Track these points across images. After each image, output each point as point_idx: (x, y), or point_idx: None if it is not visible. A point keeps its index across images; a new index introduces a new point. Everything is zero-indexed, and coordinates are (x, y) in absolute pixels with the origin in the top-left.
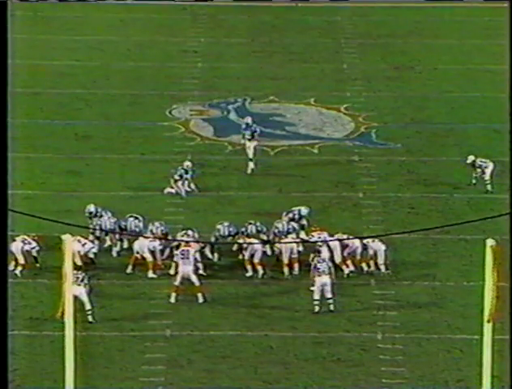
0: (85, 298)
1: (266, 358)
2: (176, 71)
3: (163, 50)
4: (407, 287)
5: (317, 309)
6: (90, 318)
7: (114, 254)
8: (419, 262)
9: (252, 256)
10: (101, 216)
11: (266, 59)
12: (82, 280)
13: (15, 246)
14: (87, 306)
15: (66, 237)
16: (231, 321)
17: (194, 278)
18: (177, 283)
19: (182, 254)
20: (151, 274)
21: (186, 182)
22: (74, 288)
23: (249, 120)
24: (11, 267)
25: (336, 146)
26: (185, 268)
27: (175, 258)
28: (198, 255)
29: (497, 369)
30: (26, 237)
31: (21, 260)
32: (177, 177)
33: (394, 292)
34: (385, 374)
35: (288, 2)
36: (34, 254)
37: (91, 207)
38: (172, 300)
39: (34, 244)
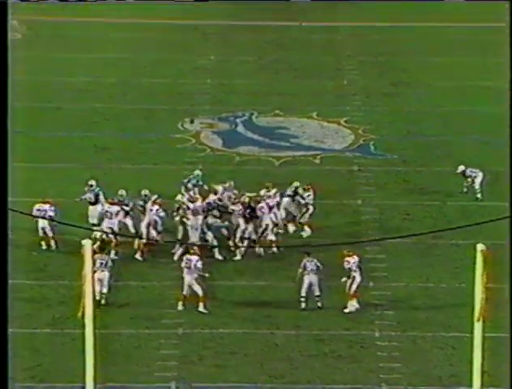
0: (105, 282)
1: (271, 355)
2: (187, 87)
3: (175, 67)
4: (402, 288)
5: (303, 305)
6: (102, 302)
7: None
8: (414, 265)
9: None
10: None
11: (272, 76)
12: (105, 265)
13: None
14: (104, 290)
15: (86, 242)
16: (239, 320)
17: (196, 287)
18: (184, 292)
19: (186, 263)
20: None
21: (197, 190)
22: (97, 274)
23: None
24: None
25: (337, 157)
26: (188, 277)
27: (181, 264)
28: (200, 263)
29: (486, 365)
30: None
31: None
32: (190, 186)
33: (391, 293)
34: (382, 369)
35: (292, 22)
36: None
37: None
38: (180, 307)
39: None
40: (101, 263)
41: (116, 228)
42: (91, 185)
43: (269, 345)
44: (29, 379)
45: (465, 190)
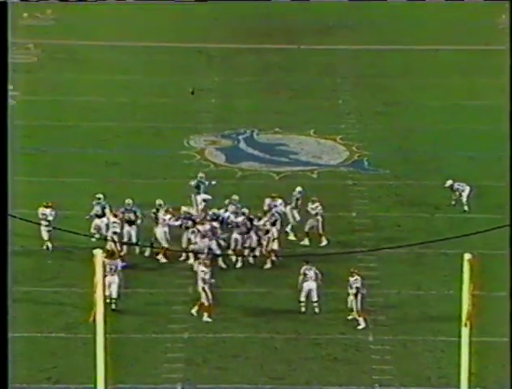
0: (115, 286)
1: (271, 357)
2: (192, 106)
3: (181, 88)
4: (394, 295)
5: (303, 309)
6: (113, 306)
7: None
8: (405, 273)
9: None
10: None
11: (272, 96)
12: (115, 270)
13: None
14: (114, 294)
15: (97, 252)
16: (240, 325)
17: (203, 296)
18: (202, 299)
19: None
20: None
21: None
22: (108, 278)
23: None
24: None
25: (333, 171)
26: (200, 283)
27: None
28: (208, 275)
29: (473, 367)
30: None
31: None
32: (195, 189)
33: (383, 300)
34: (375, 371)
35: (291, 46)
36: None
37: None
38: (193, 312)
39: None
40: (111, 269)
41: (117, 238)
42: (99, 198)
43: (269, 349)
44: (45, 380)
45: (453, 202)
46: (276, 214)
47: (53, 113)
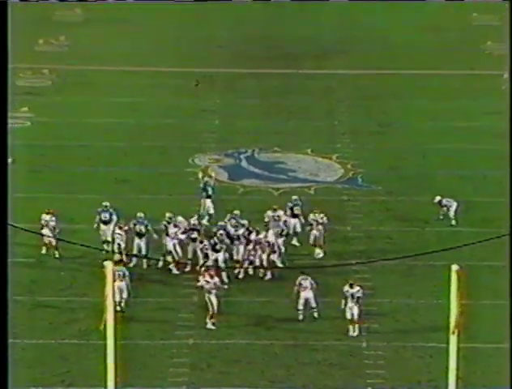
0: (124, 289)
1: (271, 362)
2: (197, 127)
3: (186, 110)
4: (386, 304)
5: (301, 317)
6: (123, 306)
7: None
8: (396, 284)
9: None
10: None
11: (272, 117)
12: (123, 276)
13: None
14: (124, 296)
15: (108, 264)
16: (242, 332)
17: (212, 303)
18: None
19: (207, 281)
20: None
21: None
22: (116, 283)
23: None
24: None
25: (329, 188)
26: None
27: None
28: (217, 280)
29: (461, 371)
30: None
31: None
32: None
33: (377, 308)
34: (369, 375)
35: (290, 70)
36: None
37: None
38: (209, 325)
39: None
40: (119, 274)
41: (120, 252)
42: (106, 206)
43: (269, 354)
44: (59, 383)
45: (441, 217)
46: (282, 225)
47: (66, 134)
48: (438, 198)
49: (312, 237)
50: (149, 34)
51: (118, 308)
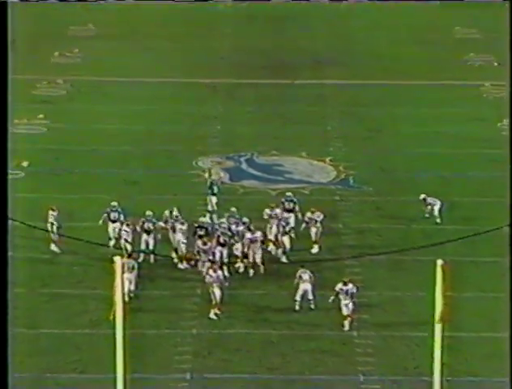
0: (132, 281)
1: (268, 351)
2: (201, 132)
3: (191, 117)
4: (376, 296)
5: (297, 307)
6: (131, 295)
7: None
8: (385, 278)
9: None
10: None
11: (269, 123)
12: (132, 268)
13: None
14: (132, 287)
15: (117, 259)
16: (242, 322)
17: (216, 294)
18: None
19: (210, 275)
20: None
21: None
22: (126, 275)
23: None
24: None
25: (322, 189)
26: (215, 286)
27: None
28: (220, 273)
29: (445, 358)
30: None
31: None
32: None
33: (367, 300)
34: (359, 362)
35: (286, 80)
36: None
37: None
38: (212, 316)
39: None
40: (128, 267)
41: (129, 247)
42: (114, 206)
43: (266, 343)
44: (71, 371)
45: (427, 215)
46: (283, 222)
47: (79, 139)
48: (423, 195)
49: (312, 234)
50: (156, 47)
51: (126, 298)
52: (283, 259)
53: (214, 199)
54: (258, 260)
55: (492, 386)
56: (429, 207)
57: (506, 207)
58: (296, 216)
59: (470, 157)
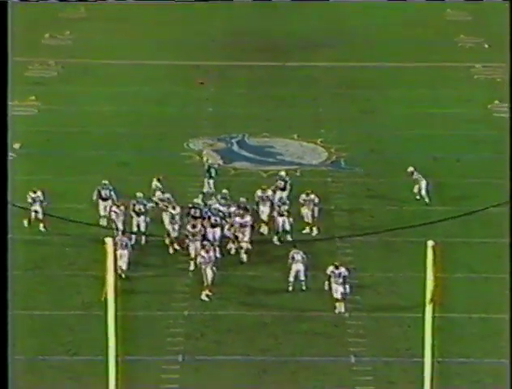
0: (125, 259)
1: (261, 332)
2: (192, 114)
3: (182, 98)
4: (368, 277)
5: (290, 288)
6: (123, 275)
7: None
8: (377, 259)
9: None
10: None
11: (261, 105)
12: (126, 246)
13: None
14: (124, 267)
15: (108, 240)
16: (234, 303)
17: (208, 275)
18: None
19: (202, 256)
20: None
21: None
22: (119, 251)
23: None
24: None
25: (314, 170)
26: (207, 267)
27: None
28: (212, 255)
29: (436, 339)
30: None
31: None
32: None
33: (358, 281)
34: (351, 344)
35: (277, 63)
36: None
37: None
38: (203, 297)
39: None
40: (121, 244)
41: (120, 226)
42: (105, 184)
43: (259, 324)
44: (64, 353)
45: (418, 197)
46: (277, 202)
47: (70, 121)
48: (411, 169)
49: (308, 216)
50: (148, 30)
51: (122, 274)
52: (275, 241)
53: (211, 182)
54: (246, 245)
55: (484, 368)
56: (417, 186)
57: (497, 188)
58: (288, 196)
59: (461, 138)
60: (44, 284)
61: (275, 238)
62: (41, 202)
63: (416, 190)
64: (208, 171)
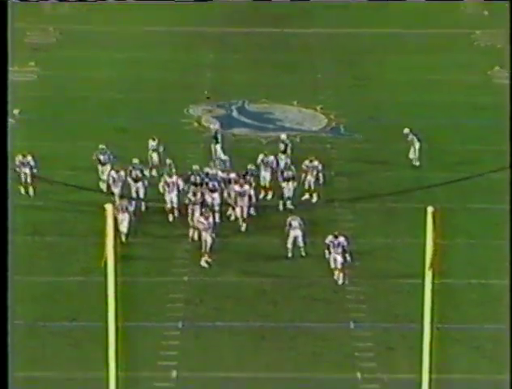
0: (126, 223)
1: (260, 298)
2: (191, 80)
3: (181, 64)
4: (367, 244)
5: (289, 255)
6: (123, 239)
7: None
8: (376, 224)
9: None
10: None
11: (260, 71)
12: (126, 209)
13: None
14: (125, 230)
15: (108, 206)
16: (233, 270)
17: (207, 241)
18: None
19: (202, 222)
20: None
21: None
22: (119, 215)
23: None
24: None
25: (313, 137)
26: (206, 233)
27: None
28: (211, 221)
29: (435, 305)
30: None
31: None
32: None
33: (357, 247)
34: (350, 310)
35: (276, 29)
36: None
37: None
38: (203, 263)
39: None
40: (121, 207)
41: (118, 191)
42: (103, 148)
43: (258, 291)
44: (63, 319)
45: (417, 163)
46: (282, 166)
47: (69, 86)
48: (407, 130)
49: (306, 183)
50: None
51: (123, 238)
52: (280, 207)
53: (218, 148)
54: (244, 214)
55: (483, 333)
56: (412, 149)
57: (497, 154)
58: (292, 162)
59: (460, 104)
60: (44, 250)
61: (281, 205)
62: (31, 167)
63: (411, 153)
64: (215, 137)
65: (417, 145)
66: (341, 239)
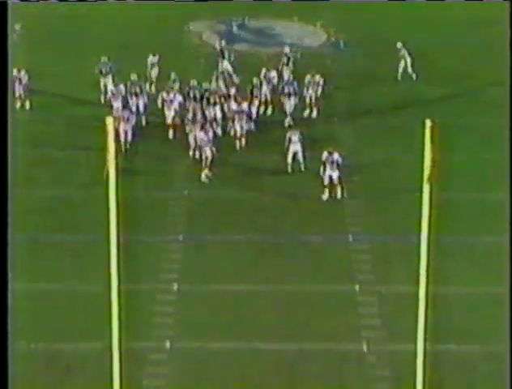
0: (129, 132)
1: (259, 213)
2: None
3: None
4: (366, 158)
5: (289, 169)
6: (127, 146)
7: None
8: (376, 142)
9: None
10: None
11: None
12: (128, 120)
13: None
14: (129, 139)
15: (109, 119)
16: (232, 185)
17: (207, 157)
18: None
19: (202, 137)
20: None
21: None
22: (121, 126)
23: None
24: None
25: (314, 52)
26: (206, 147)
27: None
28: (212, 135)
29: (433, 218)
30: None
31: None
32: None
33: (357, 162)
34: (349, 223)
35: None
36: None
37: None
38: (203, 178)
39: None
40: (123, 117)
41: (119, 105)
42: (105, 61)
43: (257, 206)
44: (65, 231)
45: (414, 78)
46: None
47: (71, 2)
48: (400, 44)
49: (312, 98)
50: None
51: (127, 146)
52: (286, 124)
53: (225, 62)
54: (242, 132)
55: (478, 245)
56: (402, 62)
57: (496, 69)
58: (294, 77)
59: (460, 21)
60: (44, 165)
61: (286, 121)
62: (21, 81)
63: (401, 67)
64: (221, 51)
65: (409, 60)
66: (335, 156)
